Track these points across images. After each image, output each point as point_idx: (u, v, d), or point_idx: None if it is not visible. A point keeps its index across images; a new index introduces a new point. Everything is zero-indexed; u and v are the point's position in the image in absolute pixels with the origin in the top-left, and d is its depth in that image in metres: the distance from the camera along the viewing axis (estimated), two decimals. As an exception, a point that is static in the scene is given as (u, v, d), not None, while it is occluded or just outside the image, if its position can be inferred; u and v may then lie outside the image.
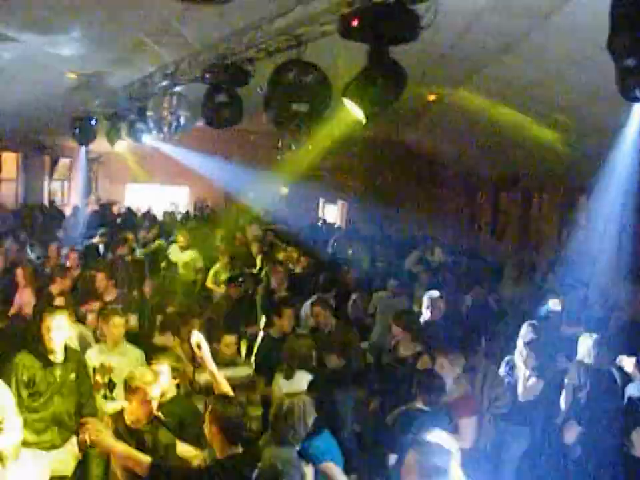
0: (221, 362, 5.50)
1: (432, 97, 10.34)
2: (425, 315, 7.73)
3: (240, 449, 3.83)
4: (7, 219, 14.62)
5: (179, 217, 17.92)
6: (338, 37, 4.72)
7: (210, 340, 5.00)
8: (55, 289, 7.86)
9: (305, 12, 5.70)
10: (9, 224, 13.94)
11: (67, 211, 17.69)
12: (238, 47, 6.66)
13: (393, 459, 4.63)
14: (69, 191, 20.93)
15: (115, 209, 18.24)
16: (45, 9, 6.66)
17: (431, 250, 14.30)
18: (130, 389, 4.45)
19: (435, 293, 7.96)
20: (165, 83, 8.59)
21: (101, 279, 8.12)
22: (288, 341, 6.25)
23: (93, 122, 11.53)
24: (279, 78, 5.06)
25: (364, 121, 4.76)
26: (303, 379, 5.60)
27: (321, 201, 20.23)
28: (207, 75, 6.47)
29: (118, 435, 4.19)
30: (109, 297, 7.86)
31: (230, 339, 6.28)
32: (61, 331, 5.31)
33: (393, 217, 18.41)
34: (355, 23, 4.00)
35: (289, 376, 5.78)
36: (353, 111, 4.68)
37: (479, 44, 6.77)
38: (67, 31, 7.56)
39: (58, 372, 5.32)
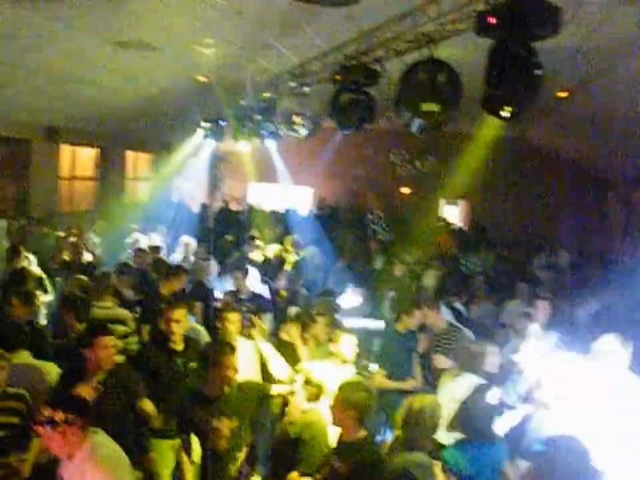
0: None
1: (563, 94, 9.94)
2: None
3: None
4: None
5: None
6: (469, 35, 4.66)
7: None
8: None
9: (435, 10, 5.66)
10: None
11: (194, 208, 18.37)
12: (366, 46, 6.70)
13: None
14: (195, 188, 21.75)
15: (238, 207, 18.76)
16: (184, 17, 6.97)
17: (556, 252, 13.79)
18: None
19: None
20: (292, 84, 8.76)
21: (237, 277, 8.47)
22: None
23: (221, 122, 11.95)
24: (410, 77, 5.04)
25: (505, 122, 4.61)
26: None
27: (441, 201, 19.84)
28: (336, 76, 6.52)
29: None
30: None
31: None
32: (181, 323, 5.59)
33: (516, 217, 17.86)
34: (492, 20, 3.90)
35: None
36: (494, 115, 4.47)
37: (614, 36, 6.48)
38: (201, 39, 7.88)
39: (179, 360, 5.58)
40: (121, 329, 6.51)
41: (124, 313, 6.95)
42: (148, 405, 4.91)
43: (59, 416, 3.54)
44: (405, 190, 19.58)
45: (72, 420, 3.56)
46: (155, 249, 10.66)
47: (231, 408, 4.58)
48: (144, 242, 11.89)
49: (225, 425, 4.49)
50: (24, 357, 5.12)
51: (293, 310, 8.06)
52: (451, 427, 4.87)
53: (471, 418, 4.43)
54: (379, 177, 19.63)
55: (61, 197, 14.80)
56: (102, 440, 3.72)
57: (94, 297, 6.84)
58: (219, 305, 8.12)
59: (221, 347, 4.76)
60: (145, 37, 7.97)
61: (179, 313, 5.56)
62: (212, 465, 4.56)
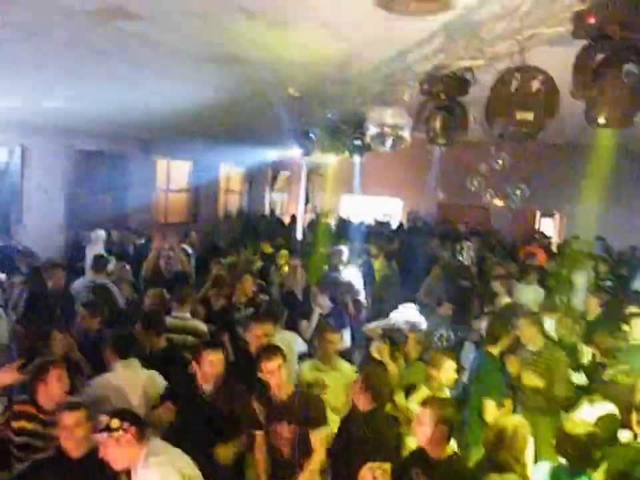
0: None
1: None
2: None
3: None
4: (233, 227, 15.66)
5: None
6: (564, 40, 4.40)
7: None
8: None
9: (528, 14, 5.40)
10: (236, 232, 14.90)
11: (286, 220, 18.52)
12: (455, 55, 6.49)
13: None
14: (287, 202, 22.01)
15: (328, 219, 18.79)
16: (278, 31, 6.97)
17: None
18: None
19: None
20: (381, 96, 8.63)
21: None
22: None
23: (312, 135, 11.96)
24: (502, 85, 4.81)
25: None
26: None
27: (537, 213, 19.19)
28: (425, 86, 6.33)
29: None
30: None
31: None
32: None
33: (619, 229, 16.98)
34: (591, 21, 3.63)
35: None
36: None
37: None
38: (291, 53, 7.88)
39: None
40: (191, 340, 6.57)
41: (199, 324, 6.97)
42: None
43: (115, 423, 3.73)
44: (498, 201, 18.97)
45: (127, 428, 3.74)
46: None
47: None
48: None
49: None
50: (134, 364, 5.28)
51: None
52: None
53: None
54: (471, 187, 19.12)
55: (157, 208, 15.25)
56: (156, 447, 3.89)
57: (175, 307, 6.94)
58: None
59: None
60: (237, 52, 8.04)
61: (273, 364, 5.04)
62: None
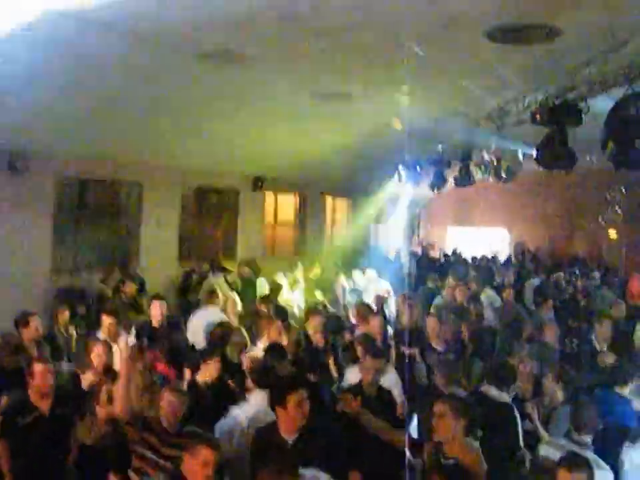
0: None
1: None
2: None
3: None
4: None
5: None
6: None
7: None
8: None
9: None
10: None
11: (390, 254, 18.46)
12: (568, 84, 6.38)
13: None
14: (388, 234, 21.95)
15: (436, 252, 18.58)
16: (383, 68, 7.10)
17: None
18: None
19: None
20: (490, 126, 8.58)
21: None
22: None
23: (417, 167, 11.98)
24: (619, 113, 4.70)
25: None
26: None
27: None
28: (537, 116, 6.25)
29: None
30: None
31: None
32: None
33: None
34: None
35: None
36: None
37: None
38: (398, 87, 7.98)
39: None
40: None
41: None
42: None
43: None
44: (613, 232, 18.16)
45: None
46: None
47: None
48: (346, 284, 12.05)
49: None
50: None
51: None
52: None
53: None
54: (581, 219, 18.38)
55: (265, 242, 15.63)
56: None
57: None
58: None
59: None
60: (344, 89, 8.24)
61: None
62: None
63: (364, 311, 8.53)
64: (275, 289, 11.09)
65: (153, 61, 6.67)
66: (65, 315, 8.22)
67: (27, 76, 6.56)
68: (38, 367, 5.21)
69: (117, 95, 7.82)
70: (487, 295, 10.93)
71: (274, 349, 6.31)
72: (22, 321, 6.85)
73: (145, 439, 4.63)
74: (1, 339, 6.44)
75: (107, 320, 7.07)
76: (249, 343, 7.11)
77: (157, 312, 7.94)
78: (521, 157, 8.71)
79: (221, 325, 7.50)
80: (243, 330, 7.47)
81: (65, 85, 7.22)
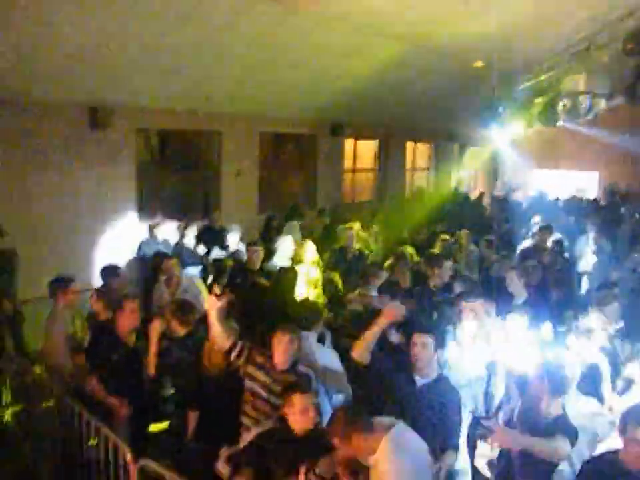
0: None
1: None
2: None
3: None
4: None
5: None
6: None
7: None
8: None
9: None
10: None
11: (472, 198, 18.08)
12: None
13: None
14: (475, 178, 21.47)
15: (519, 195, 17.98)
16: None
17: None
18: None
19: None
20: (575, 61, 8.15)
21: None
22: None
23: (500, 108, 11.54)
24: None
25: None
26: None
27: None
28: (628, 46, 5.85)
29: None
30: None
31: None
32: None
33: None
34: None
35: None
36: None
37: None
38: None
39: None
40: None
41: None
42: None
43: None
44: None
45: None
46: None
47: None
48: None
49: None
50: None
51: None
52: None
53: None
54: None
55: (344, 188, 15.54)
56: None
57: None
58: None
59: None
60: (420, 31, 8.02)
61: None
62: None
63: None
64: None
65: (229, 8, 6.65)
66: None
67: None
68: (128, 305, 5.53)
69: (198, 47, 7.86)
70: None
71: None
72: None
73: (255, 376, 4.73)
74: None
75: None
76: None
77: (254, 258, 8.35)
78: (608, 92, 8.21)
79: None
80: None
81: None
